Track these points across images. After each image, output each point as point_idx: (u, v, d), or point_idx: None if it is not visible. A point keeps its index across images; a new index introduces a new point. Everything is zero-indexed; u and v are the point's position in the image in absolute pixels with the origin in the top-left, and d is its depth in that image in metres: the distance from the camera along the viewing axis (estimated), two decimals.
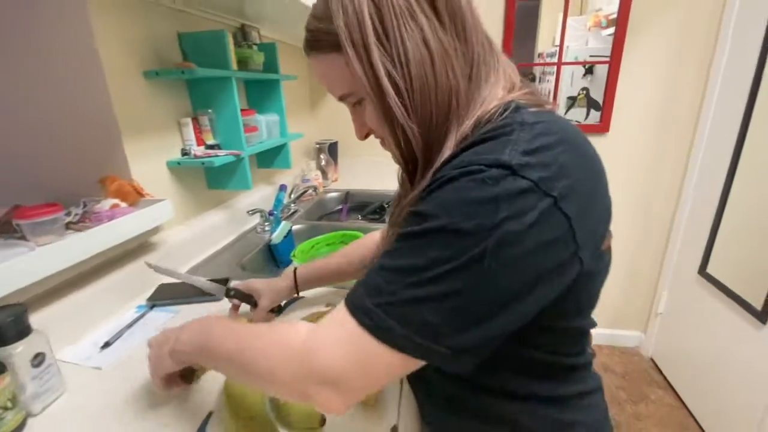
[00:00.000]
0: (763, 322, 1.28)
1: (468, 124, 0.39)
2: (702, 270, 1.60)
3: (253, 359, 0.40)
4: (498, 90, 0.42)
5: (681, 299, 1.78)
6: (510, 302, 0.32)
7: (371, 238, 0.77)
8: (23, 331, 0.54)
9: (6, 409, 0.50)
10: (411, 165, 0.42)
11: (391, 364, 0.34)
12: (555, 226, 0.32)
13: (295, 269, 0.74)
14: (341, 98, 0.45)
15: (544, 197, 0.31)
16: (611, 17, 1.78)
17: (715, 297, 1.53)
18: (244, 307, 0.73)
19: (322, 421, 0.50)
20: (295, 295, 0.73)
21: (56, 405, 0.57)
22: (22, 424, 0.53)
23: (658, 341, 1.95)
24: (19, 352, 0.53)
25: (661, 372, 1.90)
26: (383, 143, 0.47)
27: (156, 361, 0.51)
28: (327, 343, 0.35)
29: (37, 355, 0.55)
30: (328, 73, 0.43)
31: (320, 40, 0.41)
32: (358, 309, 0.34)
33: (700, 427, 1.59)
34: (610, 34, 1.74)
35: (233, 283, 0.73)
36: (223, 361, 0.43)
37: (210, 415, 0.53)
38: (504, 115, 0.37)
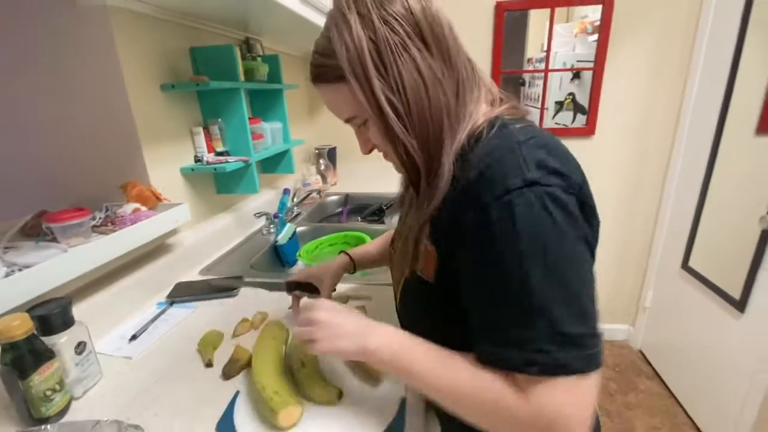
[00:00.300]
0: (741, 311, 1.36)
1: (461, 136, 0.46)
2: (684, 264, 1.69)
3: (470, 412, 0.42)
4: (481, 104, 0.49)
5: (666, 293, 1.86)
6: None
7: None
8: (68, 321, 0.60)
9: (55, 391, 0.56)
10: (414, 174, 0.47)
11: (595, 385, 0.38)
12: (583, 214, 0.40)
13: (347, 252, 0.81)
14: (347, 120, 0.51)
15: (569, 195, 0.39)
16: (596, 24, 1.87)
17: (697, 289, 1.62)
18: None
19: (339, 395, 0.56)
20: (351, 272, 0.80)
21: (95, 389, 0.63)
22: (68, 405, 0.59)
23: (646, 334, 2.04)
24: (64, 341, 0.59)
25: (649, 363, 1.98)
26: (386, 156, 0.54)
27: (339, 339, 0.48)
28: (564, 414, 0.36)
29: (79, 344, 0.61)
30: (335, 100, 0.49)
31: (326, 73, 0.47)
32: (538, 364, 0.36)
33: (687, 413, 1.67)
34: (595, 40, 1.83)
35: (290, 277, 0.79)
36: (430, 392, 0.44)
37: (237, 393, 0.60)
38: (494, 130, 0.44)
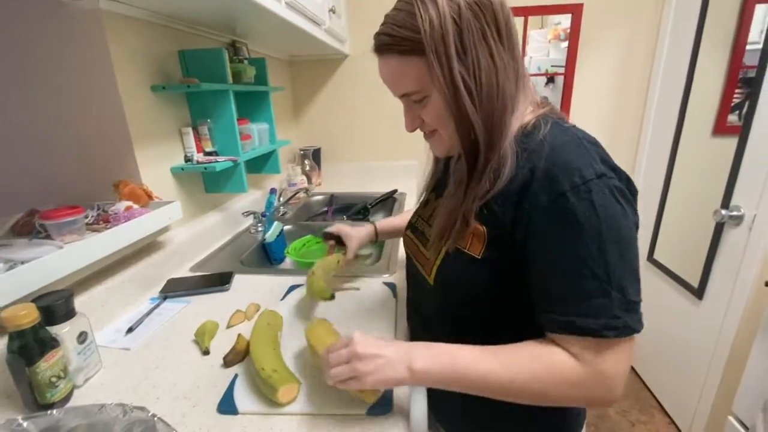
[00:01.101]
0: (700, 298, 1.48)
1: (515, 126, 0.51)
2: (650, 257, 1.81)
3: (533, 397, 0.47)
4: (527, 103, 0.53)
5: None
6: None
7: None
8: (70, 312, 0.63)
9: (60, 378, 0.59)
10: (471, 153, 0.50)
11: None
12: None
13: (373, 223, 0.96)
14: (404, 95, 0.53)
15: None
16: (569, 30, 1.98)
17: (661, 280, 1.73)
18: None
19: (332, 296, 0.75)
20: (374, 242, 0.96)
21: (96, 378, 0.66)
22: (71, 393, 0.61)
23: None
24: (67, 330, 0.62)
25: None
26: (430, 136, 0.58)
27: (383, 369, 0.48)
28: (619, 371, 0.45)
29: (81, 334, 0.64)
30: (400, 72, 0.51)
31: (399, 44, 0.48)
32: (615, 328, 0.43)
33: (654, 396, 1.79)
34: (566, 46, 1.94)
35: (328, 228, 0.96)
36: (491, 391, 0.48)
37: (236, 376, 0.64)
38: (549, 126, 0.49)
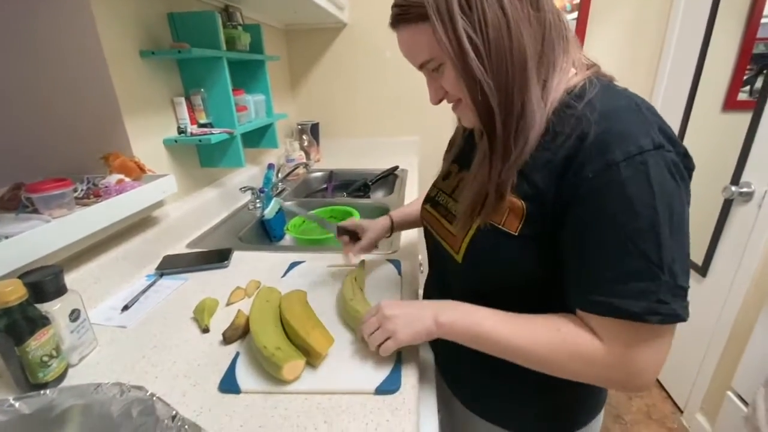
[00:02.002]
0: (704, 276, 1.47)
1: (556, 86, 0.46)
2: None
3: (552, 369, 0.46)
4: (571, 60, 0.48)
5: None
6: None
7: None
8: (60, 289, 0.59)
9: (52, 357, 0.56)
10: (487, 119, 0.46)
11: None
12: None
13: (389, 214, 0.88)
14: (422, 65, 0.50)
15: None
16: (575, 1, 1.89)
17: None
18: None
19: None
20: (387, 236, 0.88)
21: (91, 357, 0.63)
22: (65, 372, 0.59)
23: None
24: (58, 308, 0.59)
25: None
26: (456, 107, 0.53)
27: (412, 322, 0.52)
28: (654, 360, 0.42)
29: (73, 311, 0.61)
30: (413, 41, 0.48)
31: (407, 12, 0.46)
32: (659, 313, 0.39)
33: None
34: (574, 18, 1.86)
35: (342, 223, 0.87)
36: (504, 355, 0.48)
37: (237, 354, 0.61)
38: (599, 89, 0.45)
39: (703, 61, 1.54)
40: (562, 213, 0.44)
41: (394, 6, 0.48)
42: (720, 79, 1.50)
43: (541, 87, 0.46)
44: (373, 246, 0.84)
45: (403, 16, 0.47)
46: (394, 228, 0.87)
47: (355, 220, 0.87)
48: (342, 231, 0.85)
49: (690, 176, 0.43)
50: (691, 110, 1.60)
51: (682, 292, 0.40)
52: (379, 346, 0.54)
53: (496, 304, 0.51)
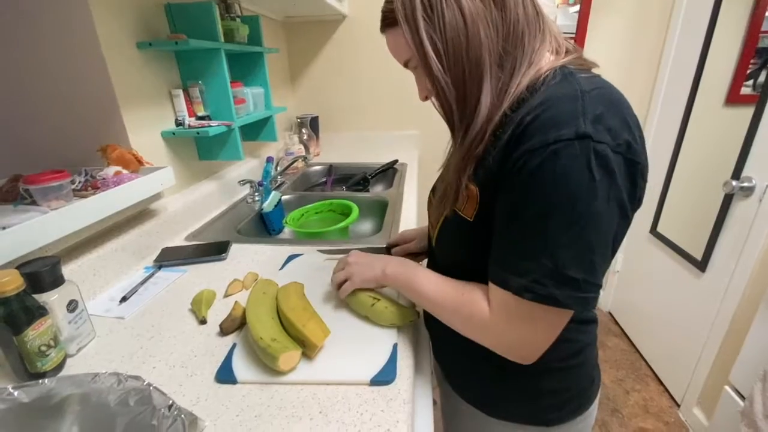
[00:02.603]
0: (703, 270, 1.47)
1: (520, 81, 0.46)
2: (653, 229, 1.79)
3: (453, 324, 0.54)
4: (544, 52, 0.48)
5: (635, 257, 1.97)
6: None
7: None
8: (57, 280, 0.60)
9: (50, 347, 0.57)
10: (448, 112, 0.50)
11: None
12: (628, 173, 0.41)
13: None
14: (405, 64, 0.54)
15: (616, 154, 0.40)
16: None
17: (663, 252, 1.72)
18: None
19: (417, 314, 0.66)
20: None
21: (89, 347, 0.64)
22: (63, 362, 0.59)
23: (615, 296, 2.17)
24: (56, 299, 0.59)
25: (617, 323, 2.12)
26: (434, 101, 0.55)
27: (365, 269, 0.65)
28: (527, 339, 0.47)
29: (71, 302, 0.61)
30: (393, 43, 0.53)
31: (388, 18, 0.51)
32: (532, 291, 0.42)
33: (649, 366, 1.81)
34: (577, 11, 1.84)
35: (391, 240, 0.86)
36: (425, 307, 0.58)
37: (234, 345, 0.61)
38: (557, 78, 0.45)
39: (705, 54, 1.53)
40: (496, 195, 0.47)
41: (382, 11, 0.52)
42: (723, 72, 1.49)
43: (500, 83, 0.47)
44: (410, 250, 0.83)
45: (385, 21, 0.52)
46: None
47: (403, 232, 0.85)
48: (392, 247, 0.84)
49: (633, 170, 0.42)
50: (693, 104, 1.59)
51: (571, 281, 0.41)
52: (339, 287, 0.67)
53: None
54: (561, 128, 0.40)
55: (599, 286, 0.43)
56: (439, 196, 0.56)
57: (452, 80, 0.47)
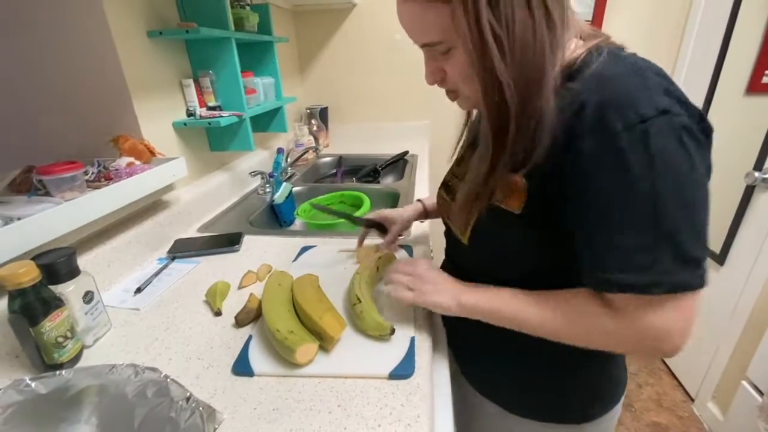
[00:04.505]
0: (721, 264, 1.43)
1: (557, 68, 0.42)
2: None
3: (570, 340, 0.46)
4: (571, 34, 0.45)
5: None
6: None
7: None
8: (73, 270, 0.59)
9: (67, 338, 0.56)
10: (498, 116, 0.43)
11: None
12: (708, 142, 0.40)
13: (420, 200, 0.85)
14: (426, 45, 0.47)
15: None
16: None
17: None
18: None
19: (392, 330, 0.58)
20: (421, 221, 0.86)
21: (106, 338, 0.64)
22: (80, 353, 0.59)
23: None
24: (72, 290, 0.59)
25: None
26: (452, 95, 0.51)
27: (436, 292, 0.55)
28: (672, 328, 0.40)
29: (87, 293, 0.61)
30: (423, 18, 0.44)
31: None
32: (663, 284, 0.38)
33: (663, 361, 1.79)
34: None
35: (367, 215, 0.84)
36: (525, 331, 0.49)
37: (250, 337, 0.61)
38: (603, 57, 0.42)
39: (727, 43, 1.47)
40: (565, 188, 0.42)
41: None
42: (744, 61, 1.44)
43: (552, 71, 0.43)
44: (396, 239, 0.82)
45: None
46: (429, 214, 0.84)
47: (382, 210, 0.83)
48: (369, 224, 0.82)
49: (708, 139, 0.41)
50: (714, 93, 1.54)
51: (694, 261, 0.38)
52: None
53: (507, 284, 0.51)
54: (639, 107, 0.37)
55: (707, 259, 0.40)
56: (466, 196, 0.51)
57: (515, 81, 0.41)
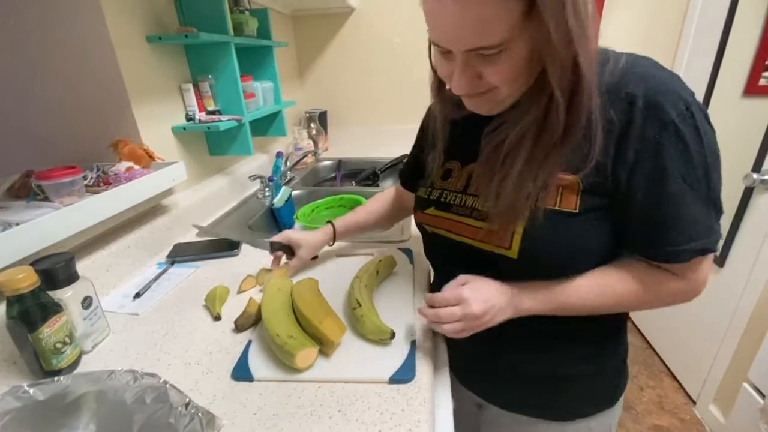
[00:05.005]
0: (721, 266, 1.43)
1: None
2: None
3: (635, 306, 0.52)
4: None
5: None
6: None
7: (389, 194, 0.84)
8: (72, 276, 0.59)
9: (65, 343, 0.56)
10: (556, 119, 0.43)
11: None
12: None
13: (331, 222, 0.82)
14: (481, 48, 0.41)
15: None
16: None
17: None
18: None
19: (392, 335, 0.58)
20: (330, 245, 0.83)
21: (104, 343, 0.64)
22: (78, 359, 0.59)
23: None
24: (70, 295, 0.58)
25: (631, 318, 2.09)
26: (480, 94, 0.47)
27: (473, 330, 0.51)
28: (707, 275, 0.49)
29: (85, 299, 0.60)
30: (492, 17, 0.38)
31: None
32: (717, 241, 0.45)
33: (663, 362, 1.79)
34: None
35: (274, 237, 0.81)
36: (589, 311, 0.52)
37: (250, 342, 0.61)
38: (625, 57, 0.46)
39: (725, 44, 1.48)
40: (625, 175, 0.45)
41: None
42: (741, 63, 1.45)
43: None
44: (305, 264, 0.81)
45: None
46: (337, 236, 0.81)
47: (288, 233, 0.79)
48: (276, 247, 0.78)
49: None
50: (711, 95, 1.54)
51: (720, 217, 0.46)
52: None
53: None
54: (681, 94, 0.43)
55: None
56: (507, 203, 0.47)
57: (589, 72, 0.41)
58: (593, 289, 0.50)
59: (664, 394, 1.65)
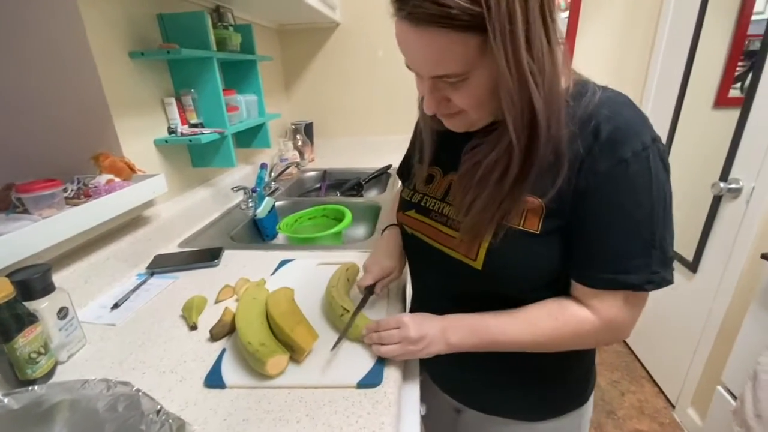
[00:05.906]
0: (694, 272, 1.48)
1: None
2: None
3: (554, 346, 0.53)
4: None
5: None
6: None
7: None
8: (48, 287, 0.60)
9: (40, 354, 0.57)
10: (529, 137, 0.44)
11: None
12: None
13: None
14: (442, 76, 0.44)
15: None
16: (570, 1, 1.90)
17: None
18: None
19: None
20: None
21: (80, 354, 0.64)
22: (53, 369, 0.60)
23: None
24: (46, 306, 0.60)
25: None
26: (450, 116, 0.50)
27: (408, 354, 0.56)
28: (632, 321, 0.51)
29: (61, 309, 0.62)
30: (449, 50, 0.41)
31: (455, 18, 0.38)
32: (653, 282, 0.47)
33: (644, 368, 1.82)
34: (565, 17, 1.87)
35: (361, 282, 0.69)
36: (513, 348, 0.54)
37: (224, 351, 0.62)
38: (600, 91, 0.48)
39: (692, 58, 1.55)
40: (577, 203, 0.47)
41: (434, 3, 0.38)
42: (711, 76, 1.51)
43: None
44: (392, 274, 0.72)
45: (445, 20, 0.39)
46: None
47: (382, 264, 0.70)
48: (370, 290, 0.69)
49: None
50: (681, 107, 1.61)
51: (670, 261, 0.48)
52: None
53: (515, 303, 0.54)
54: (642, 135, 0.45)
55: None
56: (477, 217, 0.50)
57: (546, 108, 0.43)
58: (513, 324, 0.53)
59: (645, 398, 1.68)
